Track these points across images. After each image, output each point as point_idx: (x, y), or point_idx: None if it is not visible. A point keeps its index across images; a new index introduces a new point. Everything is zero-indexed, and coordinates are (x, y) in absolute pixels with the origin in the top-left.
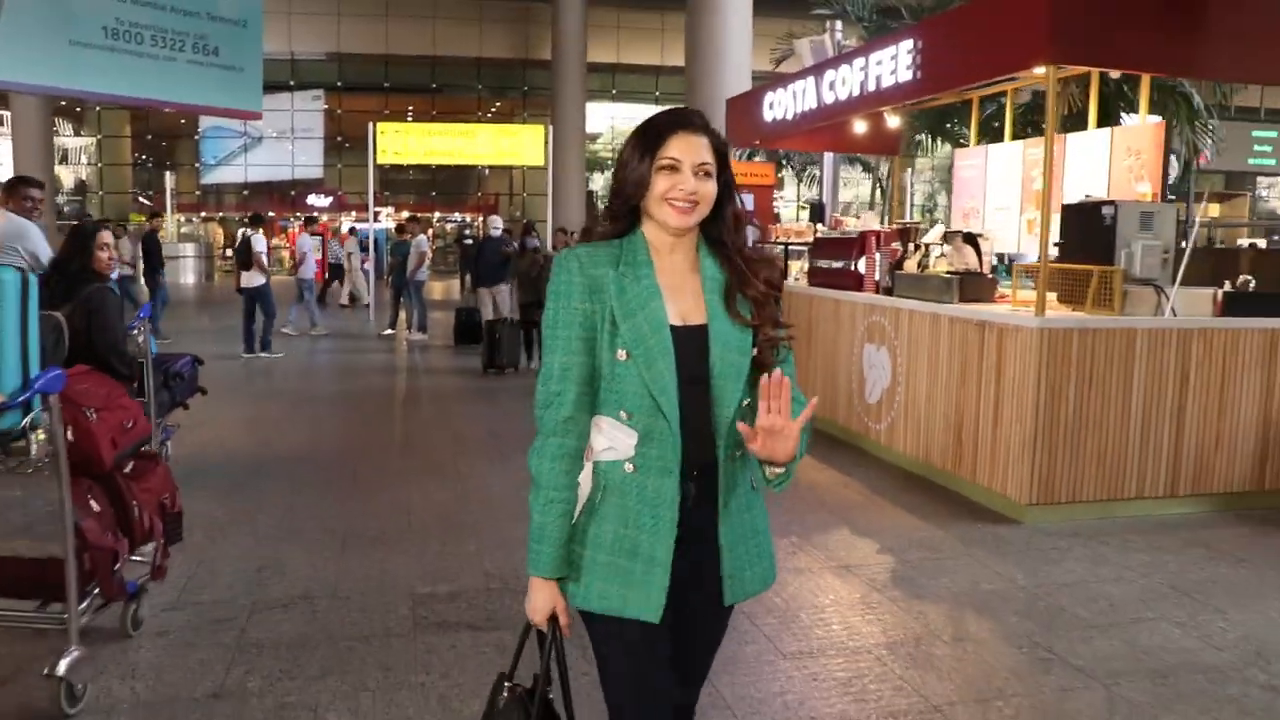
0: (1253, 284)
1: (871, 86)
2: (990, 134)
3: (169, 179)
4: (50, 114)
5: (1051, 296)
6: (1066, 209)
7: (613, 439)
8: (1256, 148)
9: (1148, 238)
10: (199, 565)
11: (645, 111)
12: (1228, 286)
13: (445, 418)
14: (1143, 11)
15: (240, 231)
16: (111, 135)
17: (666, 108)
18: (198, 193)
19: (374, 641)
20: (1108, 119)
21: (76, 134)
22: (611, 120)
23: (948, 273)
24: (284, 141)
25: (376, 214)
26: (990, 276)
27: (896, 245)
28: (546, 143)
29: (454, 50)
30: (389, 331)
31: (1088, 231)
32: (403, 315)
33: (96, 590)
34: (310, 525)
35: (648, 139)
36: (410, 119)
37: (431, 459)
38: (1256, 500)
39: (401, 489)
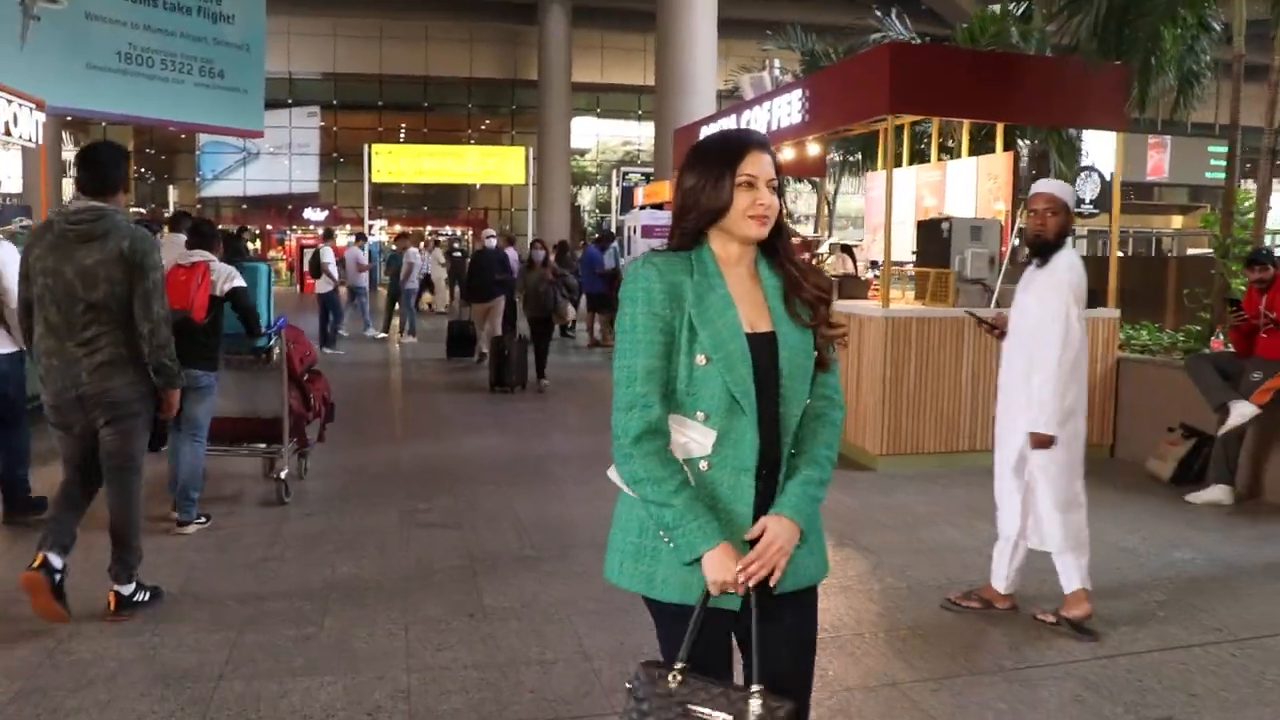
0: None
1: (775, 125)
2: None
3: (172, 192)
4: (59, 129)
5: (911, 294)
6: (920, 224)
7: (690, 437)
8: (1212, 162)
9: (976, 246)
10: (243, 495)
11: (630, 128)
12: None
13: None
14: (959, 74)
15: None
16: None
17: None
18: (198, 206)
19: (373, 533)
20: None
21: (76, 145)
22: (597, 136)
23: (831, 276)
24: (281, 156)
25: (370, 227)
26: (863, 279)
27: (805, 256)
28: (528, 163)
29: (445, 70)
30: (382, 335)
31: (932, 242)
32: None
33: (295, 440)
34: (327, 470)
35: (724, 158)
36: (403, 136)
37: (424, 430)
38: None
39: (397, 449)
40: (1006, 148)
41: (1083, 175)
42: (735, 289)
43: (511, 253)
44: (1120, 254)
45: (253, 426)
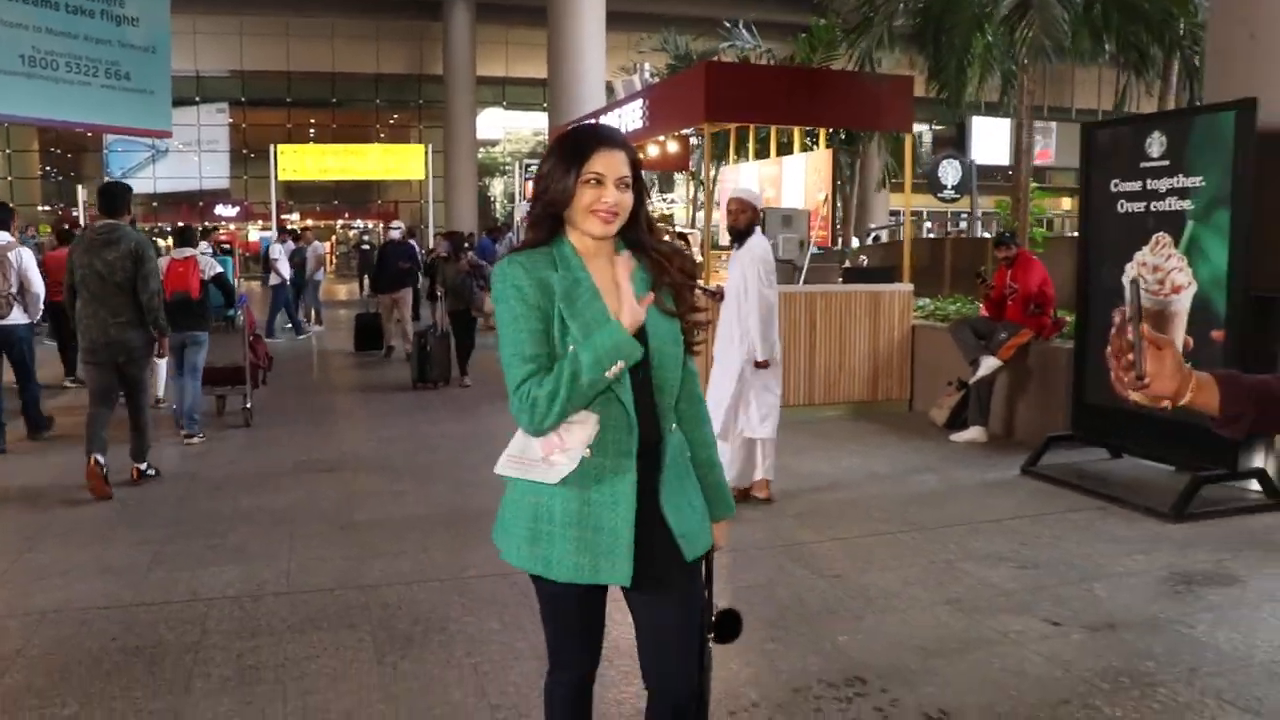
0: (866, 262)
1: (626, 128)
2: (780, 150)
3: (81, 192)
4: None
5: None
6: None
7: (575, 434)
8: None
9: (788, 232)
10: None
11: (538, 120)
12: (847, 264)
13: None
14: (764, 87)
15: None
16: (20, 150)
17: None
18: None
19: (270, 477)
20: (851, 143)
21: None
22: (504, 129)
23: None
24: (190, 154)
25: (282, 223)
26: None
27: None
28: (427, 159)
29: (352, 67)
30: (289, 325)
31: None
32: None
33: (250, 381)
34: (243, 440)
35: (572, 154)
36: (312, 132)
37: (331, 412)
38: (871, 408)
39: (296, 415)
40: (850, 143)
41: (944, 163)
42: (599, 280)
43: (413, 244)
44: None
45: (223, 373)
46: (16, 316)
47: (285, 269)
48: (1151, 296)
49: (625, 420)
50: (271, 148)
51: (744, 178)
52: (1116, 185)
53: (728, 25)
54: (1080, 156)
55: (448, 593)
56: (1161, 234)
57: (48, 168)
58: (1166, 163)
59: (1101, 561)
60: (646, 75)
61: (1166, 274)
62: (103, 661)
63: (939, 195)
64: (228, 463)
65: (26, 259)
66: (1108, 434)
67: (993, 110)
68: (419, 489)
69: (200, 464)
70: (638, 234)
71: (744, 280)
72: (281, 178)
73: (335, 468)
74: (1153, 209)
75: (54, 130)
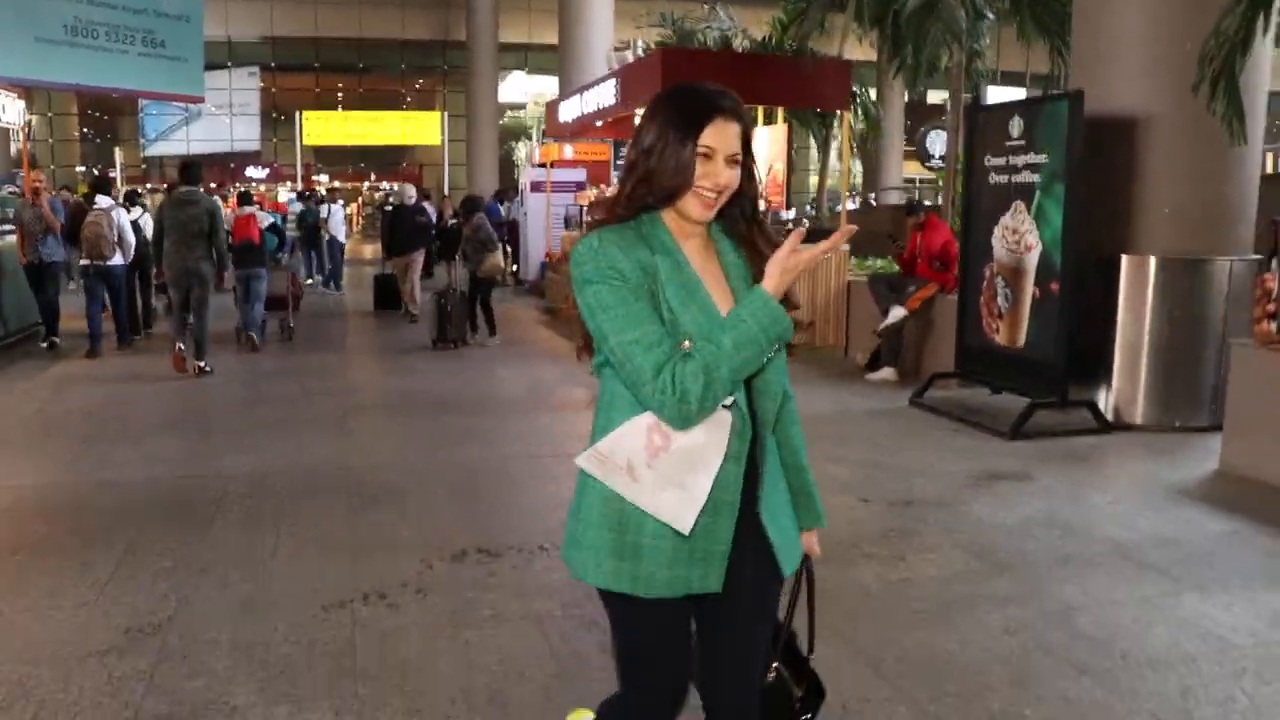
0: (807, 225)
1: (603, 104)
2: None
3: (117, 154)
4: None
5: None
6: None
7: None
8: None
9: None
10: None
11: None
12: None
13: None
14: (716, 70)
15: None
16: (60, 113)
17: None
18: (143, 166)
19: (283, 397)
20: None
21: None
22: (526, 93)
23: None
24: (222, 116)
25: (311, 185)
26: None
27: None
28: (443, 125)
29: (378, 33)
30: (309, 281)
31: None
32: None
33: (293, 304)
34: (262, 371)
35: (685, 122)
36: (340, 95)
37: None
38: (808, 353)
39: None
40: (824, 118)
41: (932, 133)
42: (696, 266)
43: (428, 207)
44: None
45: (271, 300)
46: (116, 259)
47: (339, 229)
48: (1012, 254)
49: (739, 420)
50: (297, 114)
51: None
52: (989, 160)
53: (705, 6)
54: (964, 135)
55: (412, 474)
56: (1019, 202)
57: (86, 130)
58: (1023, 142)
59: (933, 464)
60: (639, 51)
61: (1021, 236)
62: (149, 511)
63: (927, 164)
64: (251, 385)
65: (123, 217)
66: (981, 370)
67: (1017, 80)
68: (404, 407)
69: (227, 389)
70: (739, 213)
71: None
72: (307, 142)
73: (335, 391)
74: (1013, 181)
75: (91, 95)
